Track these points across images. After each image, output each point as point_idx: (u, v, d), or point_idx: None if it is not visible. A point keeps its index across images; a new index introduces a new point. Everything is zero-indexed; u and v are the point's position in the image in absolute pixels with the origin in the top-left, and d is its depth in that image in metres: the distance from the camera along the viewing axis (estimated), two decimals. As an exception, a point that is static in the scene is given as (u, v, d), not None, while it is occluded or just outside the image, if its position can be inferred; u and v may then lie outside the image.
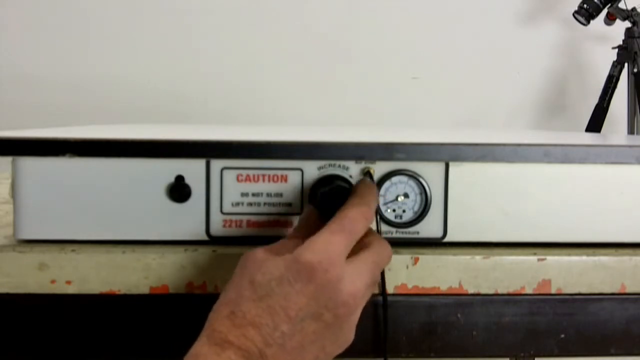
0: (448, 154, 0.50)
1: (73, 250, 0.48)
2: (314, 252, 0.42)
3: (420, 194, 0.52)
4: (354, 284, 0.43)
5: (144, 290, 0.49)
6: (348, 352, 0.46)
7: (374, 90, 1.99)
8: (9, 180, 0.50)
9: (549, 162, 0.51)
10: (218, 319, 0.41)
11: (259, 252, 0.43)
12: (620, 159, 0.52)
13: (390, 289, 0.50)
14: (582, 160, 0.51)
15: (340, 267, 0.42)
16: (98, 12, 1.90)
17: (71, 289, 0.48)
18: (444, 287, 0.51)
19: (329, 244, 0.42)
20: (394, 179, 0.51)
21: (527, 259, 0.51)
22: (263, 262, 0.42)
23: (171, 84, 1.91)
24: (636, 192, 0.53)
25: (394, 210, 0.52)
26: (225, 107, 1.94)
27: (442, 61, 2.01)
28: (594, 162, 0.52)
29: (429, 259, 0.50)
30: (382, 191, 0.51)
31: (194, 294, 0.49)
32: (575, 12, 1.77)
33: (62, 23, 1.89)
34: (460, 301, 0.51)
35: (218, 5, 1.93)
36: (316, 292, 0.41)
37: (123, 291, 0.49)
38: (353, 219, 0.44)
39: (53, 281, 0.48)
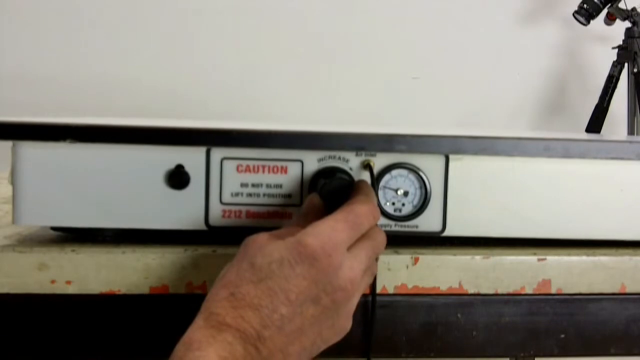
0: (448, 146, 0.50)
1: (73, 250, 0.48)
2: (317, 237, 0.42)
3: (420, 187, 0.51)
4: (353, 269, 0.43)
5: (144, 290, 0.49)
6: (343, 350, 0.46)
7: (374, 90, 1.99)
8: (9, 184, 0.50)
9: (549, 156, 0.51)
10: (216, 301, 0.41)
11: (261, 236, 0.43)
12: (621, 154, 0.52)
13: (390, 289, 0.50)
14: (582, 155, 0.51)
15: (342, 253, 0.42)
16: (98, 12, 1.90)
17: (71, 289, 0.48)
18: (444, 287, 0.51)
19: (333, 230, 0.43)
20: (394, 172, 0.51)
21: (527, 258, 0.51)
22: (264, 245, 0.42)
23: (171, 84, 1.91)
24: (636, 189, 0.53)
25: (393, 204, 0.52)
26: (226, 108, 1.93)
27: (442, 61, 2.00)
28: (594, 157, 0.52)
29: (429, 259, 0.50)
30: (381, 184, 0.51)
31: (194, 294, 0.49)
32: (575, 12, 1.76)
33: (62, 22, 1.89)
34: (460, 301, 0.51)
35: (219, 5, 1.93)
36: (317, 275, 0.41)
37: (123, 291, 0.49)
38: (360, 214, 0.44)
39: (53, 281, 0.48)
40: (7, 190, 0.56)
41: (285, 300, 0.41)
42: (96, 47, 1.90)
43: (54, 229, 0.53)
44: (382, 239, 0.47)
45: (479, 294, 0.51)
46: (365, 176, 0.50)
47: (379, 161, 0.51)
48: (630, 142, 0.52)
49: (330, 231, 0.42)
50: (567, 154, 0.51)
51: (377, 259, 0.49)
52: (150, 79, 1.91)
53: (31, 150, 0.49)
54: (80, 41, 1.90)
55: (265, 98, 1.95)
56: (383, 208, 0.51)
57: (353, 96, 1.98)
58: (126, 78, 1.90)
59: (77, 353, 0.49)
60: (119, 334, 0.49)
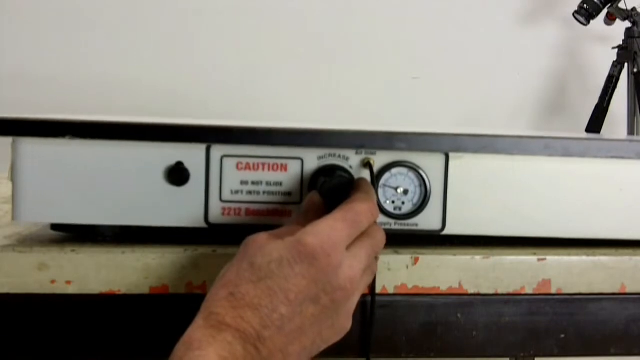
0: (449, 144, 0.50)
1: (73, 250, 0.48)
2: (317, 236, 0.42)
3: (420, 186, 0.51)
4: (352, 268, 0.43)
5: (144, 290, 0.49)
6: (343, 350, 0.46)
7: (374, 90, 1.99)
8: (9, 181, 0.50)
9: (550, 155, 0.51)
10: (216, 301, 0.41)
11: (261, 236, 0.43)
12: (621, 153, 0.52)
13: (390, 289, 0.50)
14: (583, 154, 0.51)
15: (341, 253, 0.42)
16: (98, 12, 1.90)
17: (71, 289, 0.48)
18: (444, 287, 0.51)
19: (332, 229, 0.42)
20: (394, 170, 0.51)
21: (527, 259, 0.51)
22: (264, 245, 0.42)
23: (171, 84, 1.91)
24: (636, 188, 0.53)
25: (393, 202, 0.51)
26: (226, 108, 1.93)
27: (442, 61, 2.00)
28: (595, 156, 0.52)
29: (429, 259, 0.50)
30: (381, 182, 0.51)
31: (194, 294, 0.49)
32: (575, 12, 1.76)
33: (62, 22, 1.89)
34: (460, 301, 0.51)
35: (219, 5, 1.93)
36: (317, 275, 0.41)
37: (123, 291, 0.49)
38: (359, 212, 0.44)
39: (53, 281, 0.48)
40: (7, 190, 0.56)
41: (285, 300, 0.41)
42: (96, 47, 1.90)
43: (54, 228, 0.53)
44: (382, 238, 0.47)
45: (479, 294, 0.51)
46: (366, 174, 0.51)
47: (379, 159, 0.51)
48: (631, 141, 0.52)
49: (330, 230, 0.42)
50: (567, 153, 0.51)
51: (377, 258, 0.49)
52: (150, 79, 1.91)
53: (31, 147, 0.49)
54: (80, 41, 1.90)
55: (265, 98, 1.95)
56: (383, 206, 0.51)
57: (353, 96, 1.98)
58: (126, 78, 1.90)
59: (77, 353, 0.49)
60: (119, 334, 0.49)
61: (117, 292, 0.49)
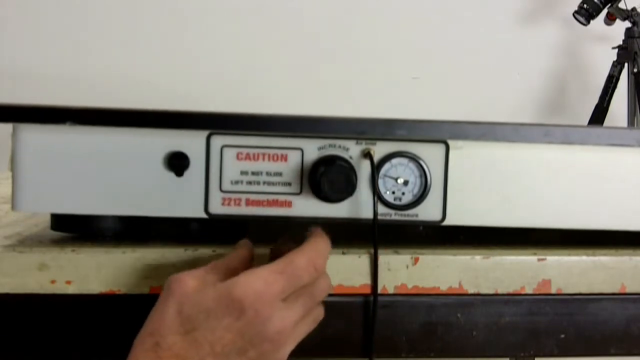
0: (449, 131, 0.50)
1: (73, 251, 0.48)
2: (247, 289, 0.42)
3: (420, 176, 0.51)
4: (283, 320, 0.42)
5: (144, 290, 0.49)
6: (343, 350, 0.46)
7: (374, 90, 1.99)
8: (9, 180, 0.50)
9: (550, 142, 0.51)
10: (143, 351, 0.41)
11: (188, 280, 0.43)
12: (621, 140, 0.52)
13: (390, 289, 0.50)
14: (583, 141, 0.51)
15: (271, 306, 0.42)
16: (99, 10, 1.90)
17: (71, 289, 0.48)
18: (444, 287, 0.51)
19: (265, 282, 0.42)
20: (394, 160, 0.51)
21: (527, 258, 0.51)
22: (192, 292, 0.42)
23: (171, 83, 1.91)
24: (637, 176, 0.53)
25: (393, 193, 0.51)
26: (226, 108, 1.94)
27: (442, 61, 2.00)
28: (595, 143, 0.51)
29: (429, 259, 0.50)
30: (381, 173, 0.51)
31: (194, 294, 0.49)
32: (575, 12, 1.77)
33: (61, 21, 1.89)
34: (460, 301, 0.51)
35: (219, 5, 1.93)
36: (243, 328, 0.41)
37: (123, 291, 0.49)
38: (299, 267, 0.44)
39: (53, 281, 0.48)
40: (7, 190, 0.56)
41: (211, 352, 0.41)
42: (96, 46, 1.90)
43: (54, 228, 0.53)
44: (323, 286, 0.46)
45: (479, 294, 0.51)
46: (366, 164, 0.50)
47: (379, 150, 0.51)
48: (631, 128, 0.52)
49: (263, 283, 0.42)
50: (567, 140, 0.51)
51: (324, 303, 0.47)
52: (150, 78, 1.91)
53: (31, 133, 0.48)
54: (80, 39, 1.90)
55: (264, 99, 1.96)
56: (383, 197, 0.51)
57: (353, 96, 1.98)
58: (126, 78, 1.90)
59: (77, 353, 0.49)
60: (119, 334, 0.49)
61: (117, 292, 0.49)
